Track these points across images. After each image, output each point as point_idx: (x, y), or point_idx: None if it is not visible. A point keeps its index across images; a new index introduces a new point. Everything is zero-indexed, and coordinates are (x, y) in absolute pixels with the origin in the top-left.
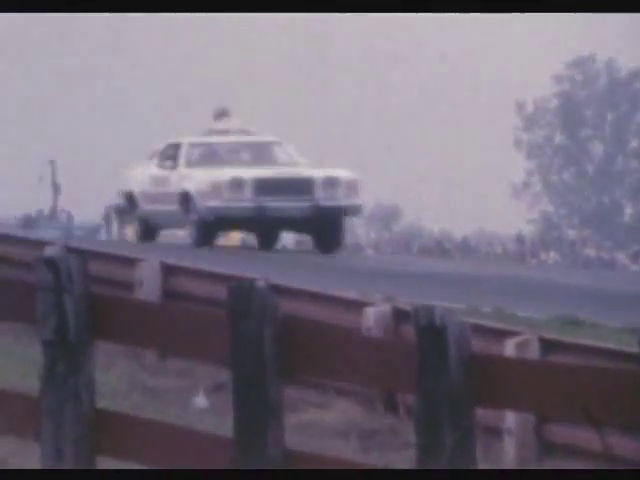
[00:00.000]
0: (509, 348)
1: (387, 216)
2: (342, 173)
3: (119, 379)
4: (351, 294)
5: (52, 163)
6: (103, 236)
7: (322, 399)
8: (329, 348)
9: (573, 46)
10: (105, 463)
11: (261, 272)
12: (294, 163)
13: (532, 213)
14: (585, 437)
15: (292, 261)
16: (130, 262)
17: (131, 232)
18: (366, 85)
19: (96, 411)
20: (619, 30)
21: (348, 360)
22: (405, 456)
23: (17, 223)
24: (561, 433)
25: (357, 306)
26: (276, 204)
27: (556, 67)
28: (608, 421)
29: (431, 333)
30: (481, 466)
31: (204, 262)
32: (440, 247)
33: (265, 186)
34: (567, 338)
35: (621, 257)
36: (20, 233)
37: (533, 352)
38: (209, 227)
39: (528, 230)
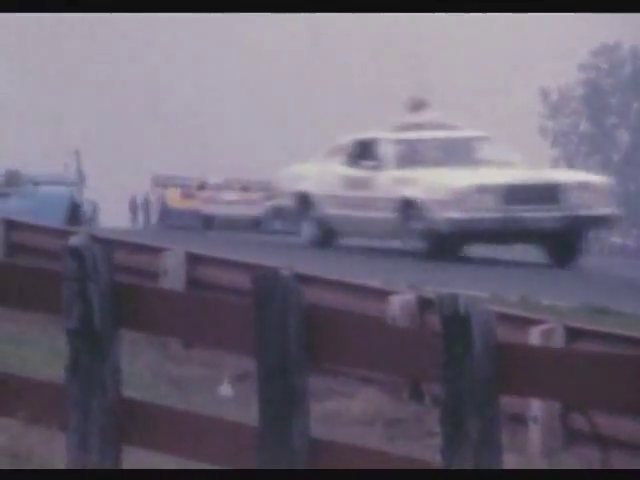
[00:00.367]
0: (534, 336)
1: None
2: (592, 177)
3: (144, 368)
4: (375, 283)
5: (77, 153)
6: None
7: (347, 388)
8: (354, 337)
9: (598, 34)
10: (131, 453)
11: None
12: (510, 162)
13: None
14: (611, 425)
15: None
16: (155, 251)
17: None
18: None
19: (122, 400)
20: None
21: (373, 349)
22: (430, 445)
23: None
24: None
25: (382, 295)
26: (527, 214)
27: (581, 55)
28: (635, 410)
29: (456, 322)
30: (506, 454)
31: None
32: None
33: (515, 194)
34: (592, 326)
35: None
36: None
37: (558, 340)
38: (447, 240)
39: None
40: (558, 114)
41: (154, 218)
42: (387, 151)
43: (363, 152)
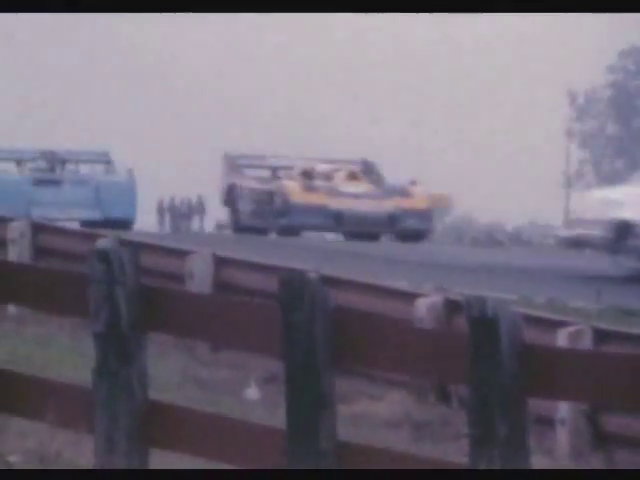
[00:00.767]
0: (562, 338)
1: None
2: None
3: (171, 371)
4: (403, 285)
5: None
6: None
7: (374, 390)
8: (381, 339)
9: (626, 35)
10: (157, 456)
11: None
12: None
13: None
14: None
15: None
16: (182, 254)
17: None
18: (433, 76)
19: (149, 403)
20: None
21: (400, 351)
22: (457, 447)
23: None
24: (615, 423)
25: (409, 297)
26: None
27: (609, 57)
28: None
29: (483, 324)
30: (534, 456)
31: None
32: (491, 238)
33: None
34: (620, 328)
35: None
36: None
37: (586, 342)
38: None
39: None
40: (585, 116)
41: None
42: None
43: None
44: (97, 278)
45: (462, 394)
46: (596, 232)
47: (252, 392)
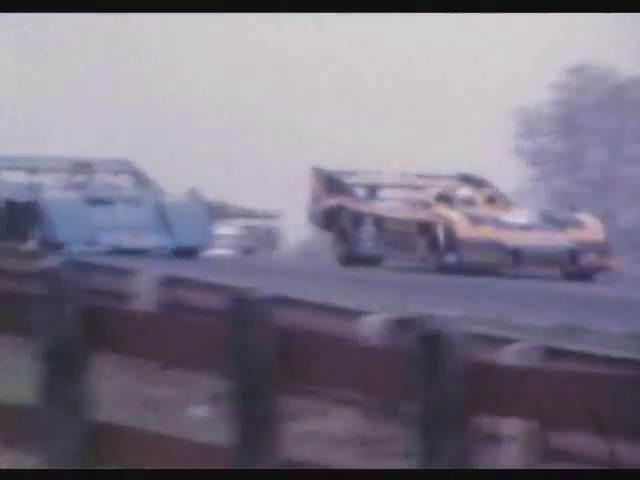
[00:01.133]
0: (509, 356)
1: None
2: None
3: (119, 390)
4: (349, 303)
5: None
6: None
7: (322, 408)
8: (328, 357)
9: (572, 54)
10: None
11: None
12: None
13: None
14: (587, 444)
15: None
16: (128, 273)
17: None
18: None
19: (96, 423)
20: (619, 37)
21: (347, 369)
22: (405, 464)
23: None
24: (563, 440)
25: (355, 315)
26: None
27: (555, 74)
28: (612, 429)
29: (430, 341)
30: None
31: None
32: None
33: None
34: (567, 345)
35: (622, 262)
36: None
37: (533, 360)
38: None
39: None
40: (534, 134)
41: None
42: None
43: None
44: (43, 297)
45: (410, 411)
46: None
47: (199, 411)
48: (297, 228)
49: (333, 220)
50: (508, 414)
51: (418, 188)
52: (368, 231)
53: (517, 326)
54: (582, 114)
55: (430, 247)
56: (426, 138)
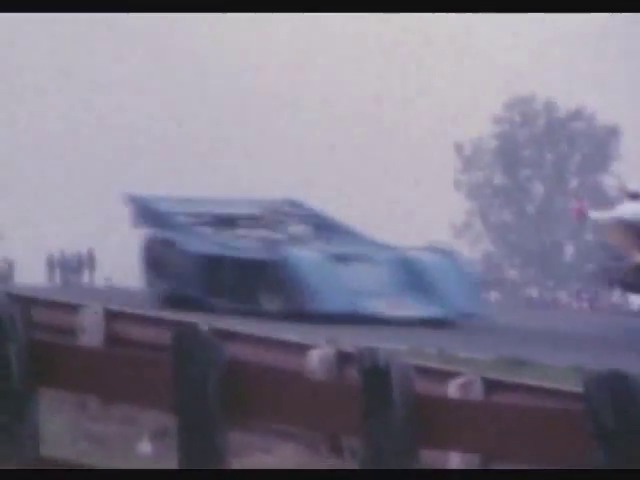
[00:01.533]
0: (452, 389)
1: None
2: None
3: (63, 426)
4: (294, 337)
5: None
6: None
7: (266, 443)
8: (273, 391)
9: (511, 87)
10: None
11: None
12: None
13: (474, 253)
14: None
15: None
16: (73, 308)
17: None
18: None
19: (41, 459)
20: (558, 70)
21: (292, 403)
22: None
23: None
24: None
25: (301, 349)
26: None
27: (494, 107)
28: (549, 458)
29: (375, 375)
30: None
31: None
32: None
33: None
34: (509, 378)
35: (563, 296)
36: None
37: (476, 393)
38: None
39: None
40: (472, 167)
41: None
42: None
43: None
44: None
45: (354, 445)
46: None
47: (144, 447)
48: None
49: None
50: (453, 447)
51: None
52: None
53: (462, 359)
54: (522, 148)
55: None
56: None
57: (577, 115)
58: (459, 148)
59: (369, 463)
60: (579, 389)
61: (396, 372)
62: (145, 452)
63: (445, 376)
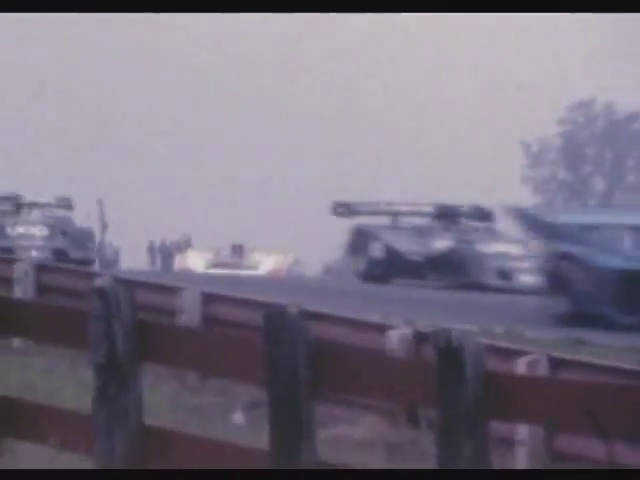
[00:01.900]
0: (520, 366)
1: None
2: None
3: (164, 398)
4: (375, 318)
5: (100, 201)
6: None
7: (350, 415)
8: (356, 368)
9: (575, 90)
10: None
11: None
12: None
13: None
14: (592, 447)
15: None
16: (173, 291)
17: None
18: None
19: (144, 428)
20: (618, 76)
21: (374, 378)
22: (426, 466)
23: None
24: (570, 444)
25: (381, 329)
26: None
27: (559, 110)
28: (613, 432)
29: (449, 353)
30: None
31: None
32: None
33: None
34: (573, 356)
35: None
36: None
37: (542, 370)
38: None
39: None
40: (538, 164)
41: None
42: None
43: None
44: (96, 314)
45: (430, 417)
46: None
47: (238, 417)
48: None
49: None
50: (519, 419)
51: None
52: None
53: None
54: (583, 147)
55: None
56: (436, 169)
57: (634, 117)
58: (526, 147)
59: (444, 432)
60: (635, 367)
61: (468, 350)
62: (239, 422)
63: (513, 354)
